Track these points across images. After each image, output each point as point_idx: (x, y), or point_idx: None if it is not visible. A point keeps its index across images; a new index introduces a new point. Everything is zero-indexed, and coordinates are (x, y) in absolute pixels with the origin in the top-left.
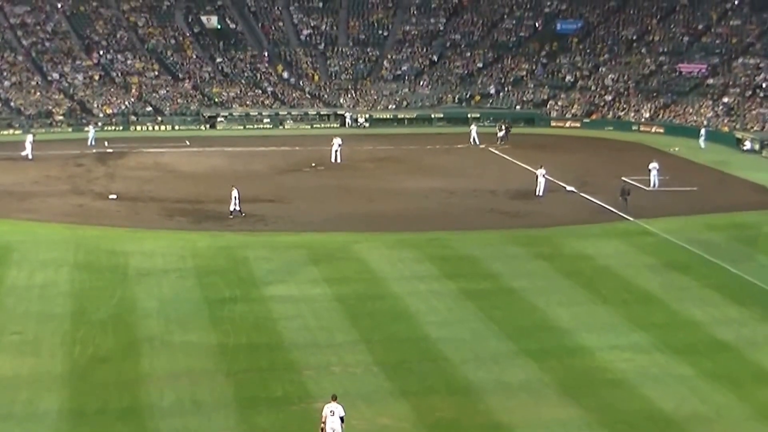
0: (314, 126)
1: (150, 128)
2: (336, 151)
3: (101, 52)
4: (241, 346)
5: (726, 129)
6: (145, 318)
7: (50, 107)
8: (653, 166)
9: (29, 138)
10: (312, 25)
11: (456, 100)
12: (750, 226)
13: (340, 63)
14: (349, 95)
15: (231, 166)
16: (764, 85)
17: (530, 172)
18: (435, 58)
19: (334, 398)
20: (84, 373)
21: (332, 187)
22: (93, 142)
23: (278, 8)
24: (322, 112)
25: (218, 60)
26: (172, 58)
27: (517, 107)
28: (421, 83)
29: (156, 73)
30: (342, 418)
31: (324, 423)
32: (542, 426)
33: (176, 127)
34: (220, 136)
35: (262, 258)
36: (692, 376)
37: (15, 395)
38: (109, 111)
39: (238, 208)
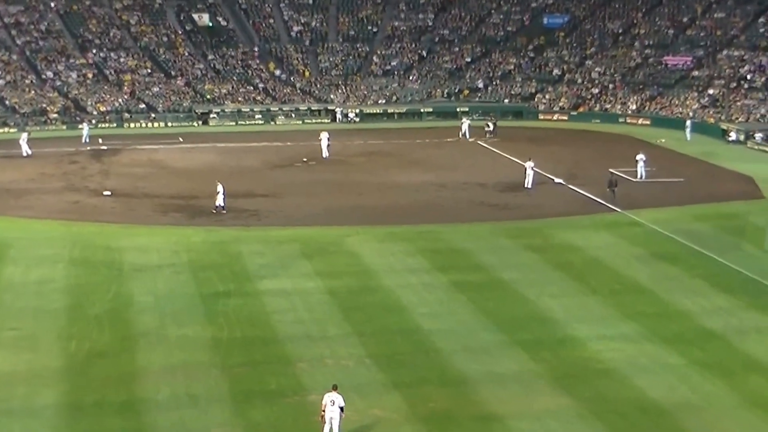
0: (305, 121)
1: (143, 125)
2: (327, 146)
3: (94, 51)
4: (235, 339)
5: (711, 120)
6: (140, 313)
7: (45, 105)
8: (640, 157)
9: (24, 137)
10: (302, 21)
11: (445, 95)
12: (736, 216)
13: (331, 59)
14: (340, 91)
15: (224, 161)
16: (749, 77)
17: (519, 165)
18: (424, 53)
19: (335, 388)
20: (81, 368)
21: (324, 182)
22: (87, 140)
23: (269, 5)
24: (312, 108)
25: (210, 57)
26: (164, 56)
27: (506, 101)
28: (411, 78)
29: (149, 70)
30: (342, 408)
31: (323, 411)
32: (534, 416)
33: (169, 124)
34: (213, 132)
35: (255, 252)
36: (682, 365)
37: (13, 391)
38: (102, 108)
39: (222, 204)
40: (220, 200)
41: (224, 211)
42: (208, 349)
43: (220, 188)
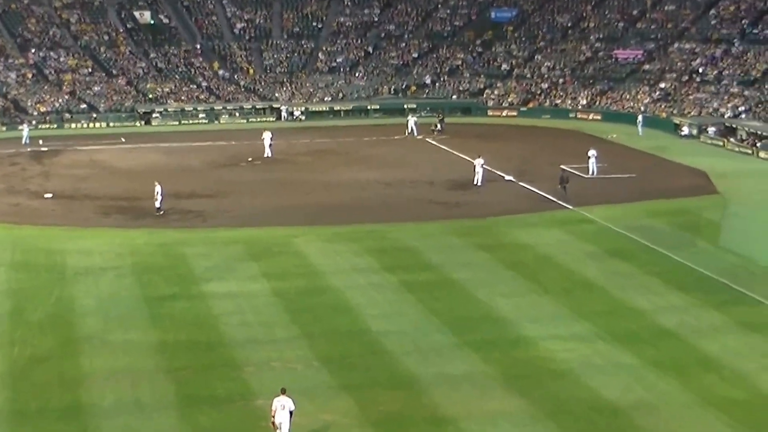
0: (250, 120)
1: (85, 125)
2: (269, 145)
3: (34, 50)
4: (181, 343)
5: (663, 115)
6: (83, 317)
7: None
8: (592, 153)
9: None
10: (246, 18)
11: (392, 91)
12: (689, 212)
13: (275, 56)
14: (285, 88)
15: (167, 162)
16: (701, 70)
17: (468, 162)
18: (370, 49)
19: (283, 392)
20: (23, 373)
21: (270, 181)
22: (27, 141)
23: (211, 2)
24: (257, 106)
25: (152, 55)
26: (105, 55)
27: (454, 97)
28: (357, 75)
29: (90, 69)
30: (291, 413)
31: (273, 417)
32: (487, 418)
33: (111, 124)
34: (156, 132)
35: (200, 254)
36: (636, 364)
37: None
38: (43, 109)
39: (160, 205)
40: (159, 201)
41: (161, 212)
42: (153, 353)
43: (158, 189)
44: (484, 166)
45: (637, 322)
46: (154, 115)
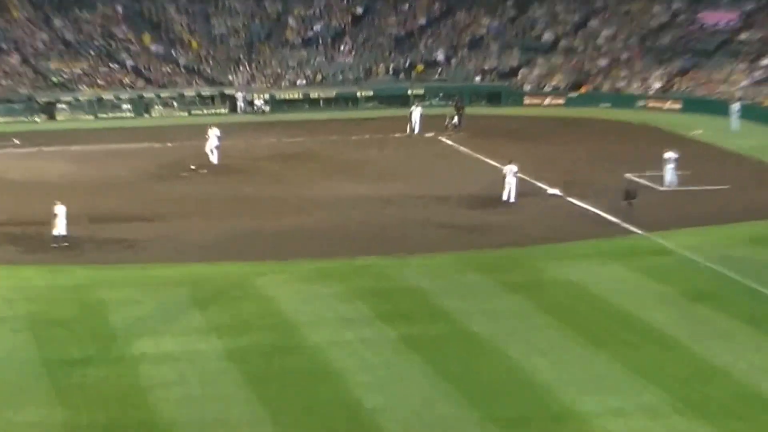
0: (193, 112)
1: None
2: (216, 146)
3: None
4: (97, 426)
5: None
6: None
7: None
8: (669, 156)
9: None
10: None
11: (390, 72)
12: None
13: (228, 23)
14: (241, 68)
15: (79, 171)
16: None
17: (496, 170)
18: (359, 12)
19: None
20: None
21: (223, 198)
22: None
23: None
24: (203, 93)
25: (57, 23)
26: None
27: (477, 79)
28: (342, 49)
29: None
30: None
31: None
32: None
33: (0, 119)
34: (63, 129)
35: (126, 301)
36: None
37: None
38: None
39: (65, 232)
40: (61, 227)
41: (55, 245)
42: None
43: (59, 210)
44: (517, 174)
45: (728, 389)
46: (60, 107)
